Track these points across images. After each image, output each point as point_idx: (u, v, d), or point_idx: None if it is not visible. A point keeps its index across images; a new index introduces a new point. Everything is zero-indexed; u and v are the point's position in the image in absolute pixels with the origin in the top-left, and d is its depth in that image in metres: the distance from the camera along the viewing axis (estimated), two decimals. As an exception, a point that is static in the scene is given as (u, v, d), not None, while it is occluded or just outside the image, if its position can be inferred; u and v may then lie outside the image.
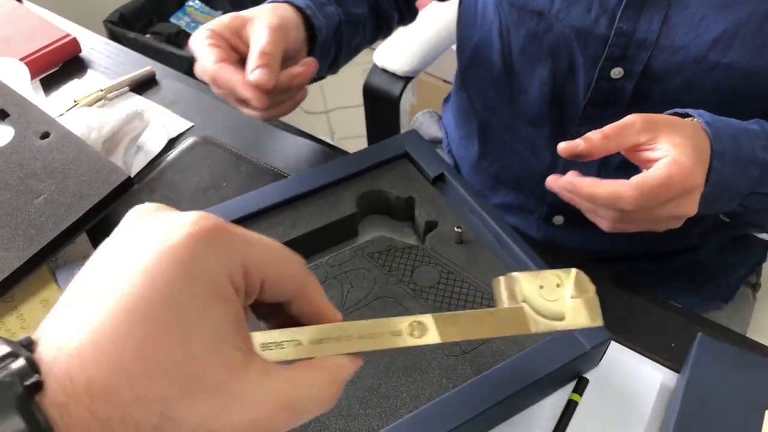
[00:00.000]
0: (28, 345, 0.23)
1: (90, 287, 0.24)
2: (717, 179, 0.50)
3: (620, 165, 0.70)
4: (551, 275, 0.31)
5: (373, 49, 1.04)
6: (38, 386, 0.21)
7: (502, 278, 0.32)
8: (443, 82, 1.70)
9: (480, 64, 0.76)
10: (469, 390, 0.48)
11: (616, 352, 0.55)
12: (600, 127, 0.68)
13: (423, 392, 0.48)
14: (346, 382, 0.29)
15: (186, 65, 1.64)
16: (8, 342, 0.23)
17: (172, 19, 1.90)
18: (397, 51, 1.04)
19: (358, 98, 1.06)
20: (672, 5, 0.56)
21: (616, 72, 0.61)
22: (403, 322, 0.29)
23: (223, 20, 0.57)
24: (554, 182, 0.52)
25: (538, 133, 0.73)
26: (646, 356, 0.55)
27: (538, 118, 0.71)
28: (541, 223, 0.78)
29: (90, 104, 0.78)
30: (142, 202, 0.72)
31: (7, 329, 0.55)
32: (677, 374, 0.54)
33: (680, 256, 0.79)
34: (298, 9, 0.61)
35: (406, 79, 1.03)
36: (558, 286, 0.31)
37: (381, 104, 1.05)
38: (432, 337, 0.29)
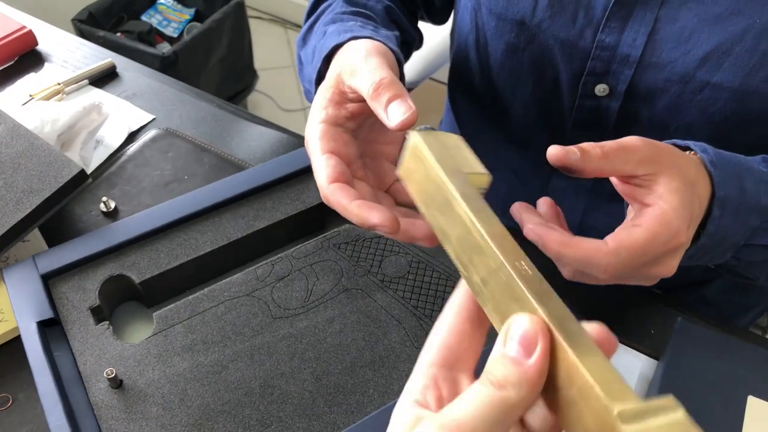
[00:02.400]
0: None
1: None
2: (714, 229, 0.44)
3: (612, 195, 0.62)
4: None
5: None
6: None
7: None
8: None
9: (461, 81, 0.71)
10: (440, 383, 0.45)
11: (594, 341, 0.53)
12: None
13: (391, 387, 0.46)
14: None
15: (158, 63, 1.61)
16: None
17: (144, 17, 1.86)
18: None
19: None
20: (660, 19, 0.52)
21: (601, 89, 0.56)
22: None
23: (321, 98, 0.45)
24: (518, 214, 0.44)
25: (524, 158, 0.69)
26: (626, 344, 0.54)
27: (522, 142, 0.67)
28: None
29: (47, 98, 0.74)
30: (100, 197, 0.68)
31: (-48, 333, 0.52)
32: (657, 361, 0.52)
33: (683, 291, 0.72)
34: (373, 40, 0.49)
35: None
36: None
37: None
38: None
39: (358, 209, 0.39)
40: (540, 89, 0.61)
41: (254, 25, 1.95)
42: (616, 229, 0.40)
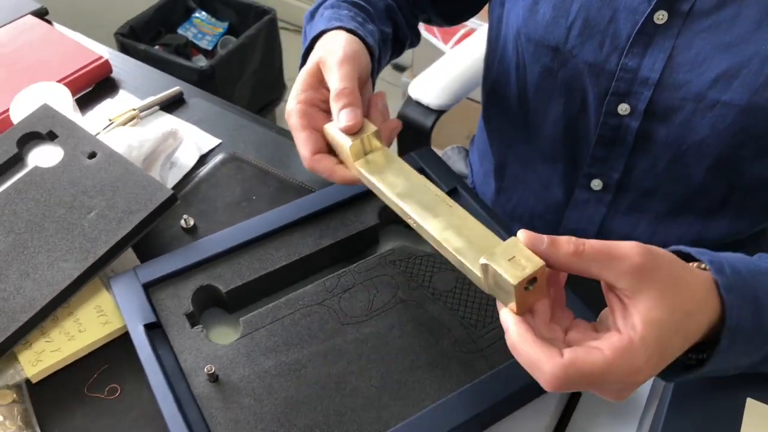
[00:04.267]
0: None
1: None
2: (720, 360, 0.42)
3: (629, 208, 0.73)
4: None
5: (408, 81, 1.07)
6: None
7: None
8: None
9: (498, 101, 0.79)
10: (483, 384, 0.54)
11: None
12: (609, 167, 0.70)
13: (444, 385, 0.55)
14: None
15: (195, 76, 1.70)
16: None
17: (180, 31, 1.96)
18: (431, 84, 1.09)
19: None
20: (677, 46, 0.59)
21: (623, 108, 0.64)
22: None
23: (303, 81, 0.57)
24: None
25: (553, 170, 0.77)
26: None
27: (552, 155, 0.75)
28: None
29: (124, 123, 0.83)
30: (180, 215, 0.77)
31: (66, 332, 0.61)
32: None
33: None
34: (351, 32, 0.61)
35: (439, 112, 1.08)
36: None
37: (413, 136, 1.09)
38: None
39: (341, 171, 0.56)
40: (569, 108, 0.70)
41: (283, 36, 2.04)
42: (576, 346, 0.39)
